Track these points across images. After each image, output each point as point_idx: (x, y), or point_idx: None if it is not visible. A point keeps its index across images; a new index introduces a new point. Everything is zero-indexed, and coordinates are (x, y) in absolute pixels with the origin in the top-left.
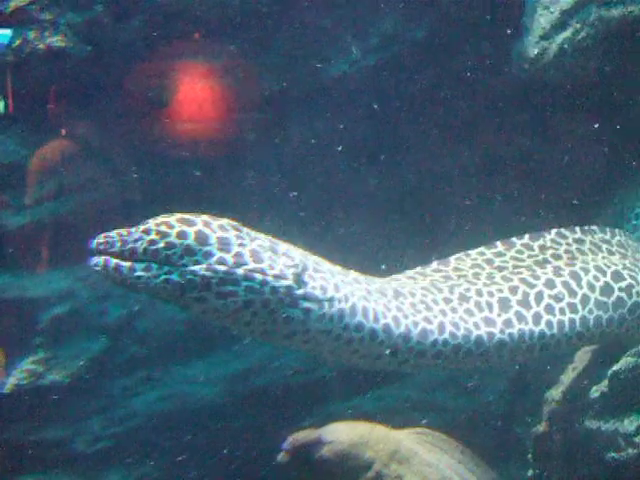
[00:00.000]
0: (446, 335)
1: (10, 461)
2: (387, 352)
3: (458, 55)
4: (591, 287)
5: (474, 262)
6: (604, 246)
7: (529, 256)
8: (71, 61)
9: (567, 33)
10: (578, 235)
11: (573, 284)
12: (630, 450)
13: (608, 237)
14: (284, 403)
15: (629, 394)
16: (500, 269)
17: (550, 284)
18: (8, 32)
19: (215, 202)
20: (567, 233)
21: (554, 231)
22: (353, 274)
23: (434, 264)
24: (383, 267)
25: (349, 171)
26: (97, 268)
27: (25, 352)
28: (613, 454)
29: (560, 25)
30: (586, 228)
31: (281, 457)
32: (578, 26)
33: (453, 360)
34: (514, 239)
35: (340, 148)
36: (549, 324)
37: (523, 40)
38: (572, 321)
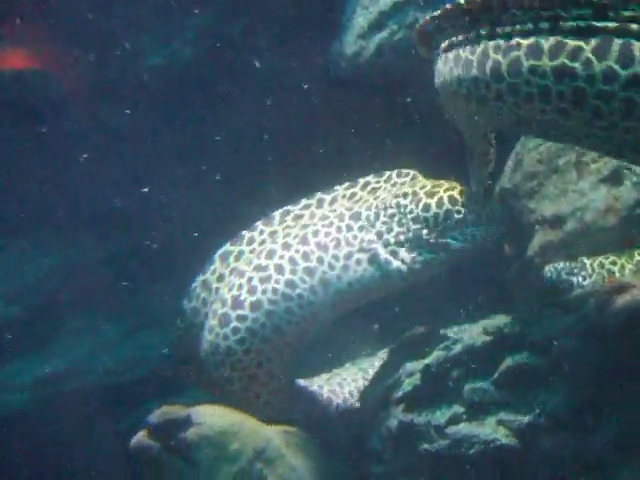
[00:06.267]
0: None
1: None
2: None
3: (277, 52)
4: None
5: None
6: None
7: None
8: None
9: (384, 33)
10: None
11: None
12: (441, 441)
13: None
14: (99, 406)
15: (440, 386)
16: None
17: None
18: None
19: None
20: None
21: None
22: None
23: None
24: None
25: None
26: None
27: None
28: (426, 445)
29: (378, 25)
30: None
31: (139, 437)
32: (395, 27)
33: None
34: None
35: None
36: None
37: (342, 39)
38: None
